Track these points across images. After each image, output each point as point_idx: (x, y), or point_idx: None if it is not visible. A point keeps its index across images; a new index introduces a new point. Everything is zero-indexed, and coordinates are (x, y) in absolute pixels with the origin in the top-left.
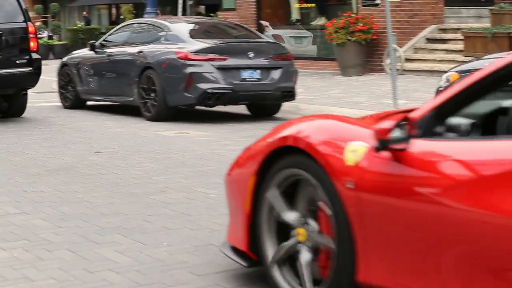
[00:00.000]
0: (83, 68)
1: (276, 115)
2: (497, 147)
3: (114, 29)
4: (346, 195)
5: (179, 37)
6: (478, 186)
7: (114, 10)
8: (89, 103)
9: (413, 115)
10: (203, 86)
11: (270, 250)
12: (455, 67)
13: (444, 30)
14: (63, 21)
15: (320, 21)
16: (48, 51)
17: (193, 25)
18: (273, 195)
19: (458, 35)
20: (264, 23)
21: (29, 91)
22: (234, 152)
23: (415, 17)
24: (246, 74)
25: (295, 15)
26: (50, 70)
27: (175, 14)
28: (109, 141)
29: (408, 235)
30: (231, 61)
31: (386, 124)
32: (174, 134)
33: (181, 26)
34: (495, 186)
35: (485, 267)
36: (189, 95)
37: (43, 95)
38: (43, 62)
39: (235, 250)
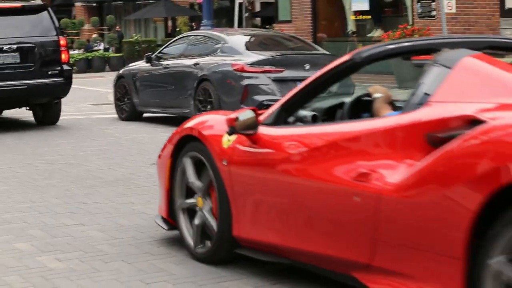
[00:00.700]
0: (139, 80)
1: None
2: (320, 131)
3: (171, 41)
4: (223, 170)
5: (235, 49)
6: (305, 160)
7: (170, 23)
8: (145, 115)
9: (269, 109)
10: (259, 98)
11: (178, 202)
12: None
13: None
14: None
15: (376, 33)
16: (104, 63)
17: (249, 37)
18: (186, 162)
19: None
20: (322, 35)
21: (86, 104)
22: None
23: (471, 29)
24: None
25: (351, 27)
26: (106, 82)
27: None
28: None
29: (263, 198)
30: (287, 73)
31: (234, 114)
32: None
33: (237, 38)
34: (315, 160)
35: (307, 217)
36: (245, 107)
37: (100, 107)
38: (99, 74)
39: (162, 219)
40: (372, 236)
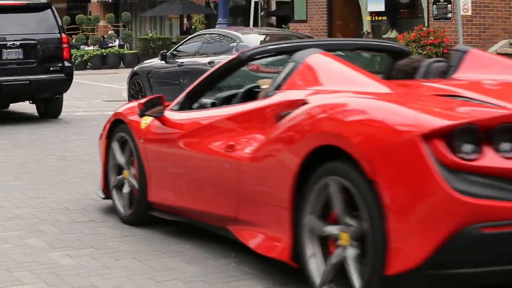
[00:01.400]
0: (153, 77)
1: None
2: (208, 115)
3: (186, 39)
4: (140, 147)
5: None
6: (195, 136)
7: (185, 20)
8: None
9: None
10: None
11: (112, 180)
12: None
13: None
14: (134, 30)
15: (392, 34)
16: (119, 60)
17: (264, 36)
18: (114, 147)
19: None
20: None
21: (100, 100)
22: None
23: (487, 31)
24: None
25: (366, 27)
26: (120, 79)
27: (246, 25)
28: None
29: (166, 168)
30: None
31: (143, 99)
32: None
33: (252, 37)
34: (201, 136)
35: (195, 182)
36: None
37: (113, 103)
38: (114, 70)
39: (102, 190)
40: (237, 195)
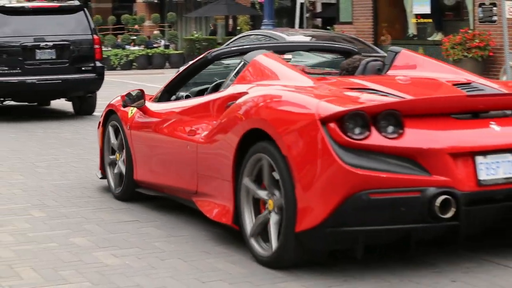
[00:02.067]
0: (199, 78)
1: None
2: (179, 105)
3: (231, 40)
4: (127, 133)
5: None
6: (167, 123)
7: (231, 21)
8: None
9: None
10: None
11: (106, 158)
12: None
13: None
14: (180, 30)
15: (437, 36)
16: (165, 60)
17: (310, 37)
18: (109, 132)
19: None
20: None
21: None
22: None
23: None
24: None
25: (412, 30)
26: (165, 79)
27: (292, 26)
28: None
29: (146, 150)
30: None
31: (127, 92)
32: None
33: (298, 39)
34: (172, 123)
35: (168, 161)
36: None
37: None
38: (159, 70)
39: (100, 172)
40: (196, 171)
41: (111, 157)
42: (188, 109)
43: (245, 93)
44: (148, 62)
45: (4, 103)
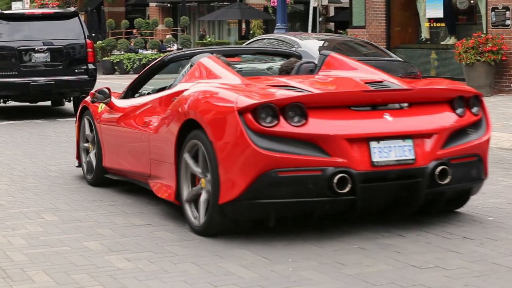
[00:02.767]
0: None
1: None
2: (137, 101)
3: (244, 44)
4: (97, 126)
5: (309, 54)
6: (127, 117)
7: (244, 25)
8: None
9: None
10: None
11: (81, 146)
12: None
13: None
14: (193, 34)
15: (450, 40)
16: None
17: (322, 41)
18: (84, 125)
19: None
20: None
21: None
22: None
23: None
24: None
25: (424, 34)
26: None
27: (305, 30)
28: None
29: (111, 140)
30: None
31: (95, 90)
32: None
33: (311, 43)
34: (130, 116)
35: (127, 150)
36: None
37: None
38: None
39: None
40: (149, 157)
41: (86, 144)
42: (144, 104)
43: (187, 90)
44: None
45: (7, 103)
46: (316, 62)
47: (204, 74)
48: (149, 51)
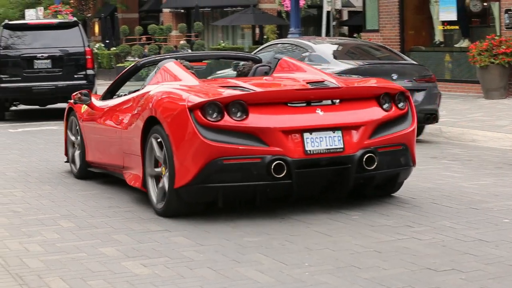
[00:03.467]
0: None
1: (419, 137)
2: (114, 102)
3: (258, 49)
4: (80, 124)
5: (322, 58)
6: (105, 115)
7: (257, 30)
8: None
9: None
10: None
11: (69, 148)
12: None
13: None
14: (206, 40)
15: (464, 43)
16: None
17: (336, 46)
18: (70, 123)
19: None
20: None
21: None
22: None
23: None
24: None
25: (438, 37)
26: None
27: (318, 34)
28: None
29: (92, 137)
30: None
31: (77, 92)
32: None
33: (325, 47)
34: (107, 115)
35: (104, 144)
36: None
37: None
38: None
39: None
40: (122, 150)
41: (73, 138)
42: (119, 104)
43: (152, 91)
44: None
45: (18, 106)
46: (271, 66)
47: (167, 77)
48: None
